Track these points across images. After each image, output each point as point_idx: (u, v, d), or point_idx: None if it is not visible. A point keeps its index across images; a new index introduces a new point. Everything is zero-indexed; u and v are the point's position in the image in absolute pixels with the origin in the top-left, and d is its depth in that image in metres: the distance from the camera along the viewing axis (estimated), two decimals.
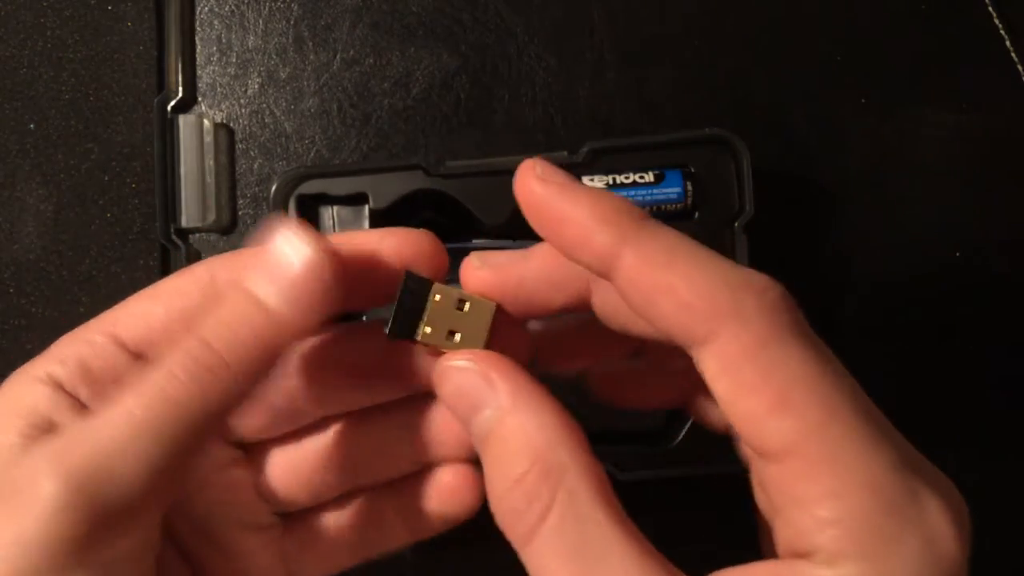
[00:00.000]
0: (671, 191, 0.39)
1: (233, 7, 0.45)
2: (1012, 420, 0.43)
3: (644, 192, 0.39)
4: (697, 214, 0.39)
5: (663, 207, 0.39)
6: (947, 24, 0.44)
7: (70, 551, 0.19)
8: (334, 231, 0.40)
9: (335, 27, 0.45)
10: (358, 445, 0.27)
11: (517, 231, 0.40)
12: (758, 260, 0.38)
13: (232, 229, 0.44)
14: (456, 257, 0.39)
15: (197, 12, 0.45)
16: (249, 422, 0.26)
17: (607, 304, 0.23)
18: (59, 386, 0.22)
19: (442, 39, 0.44)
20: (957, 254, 0.44)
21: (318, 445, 0.27)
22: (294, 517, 0.28)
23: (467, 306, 0.23)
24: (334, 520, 0.28)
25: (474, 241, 0.40)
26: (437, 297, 0.22)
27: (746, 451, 0.21)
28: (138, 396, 0.20)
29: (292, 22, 0.45)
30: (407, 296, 0.22)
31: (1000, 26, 0.44)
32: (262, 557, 0.27)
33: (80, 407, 0.22)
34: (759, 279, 0.19)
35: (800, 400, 0.18)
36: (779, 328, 0.18)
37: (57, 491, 0.19)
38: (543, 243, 0.22)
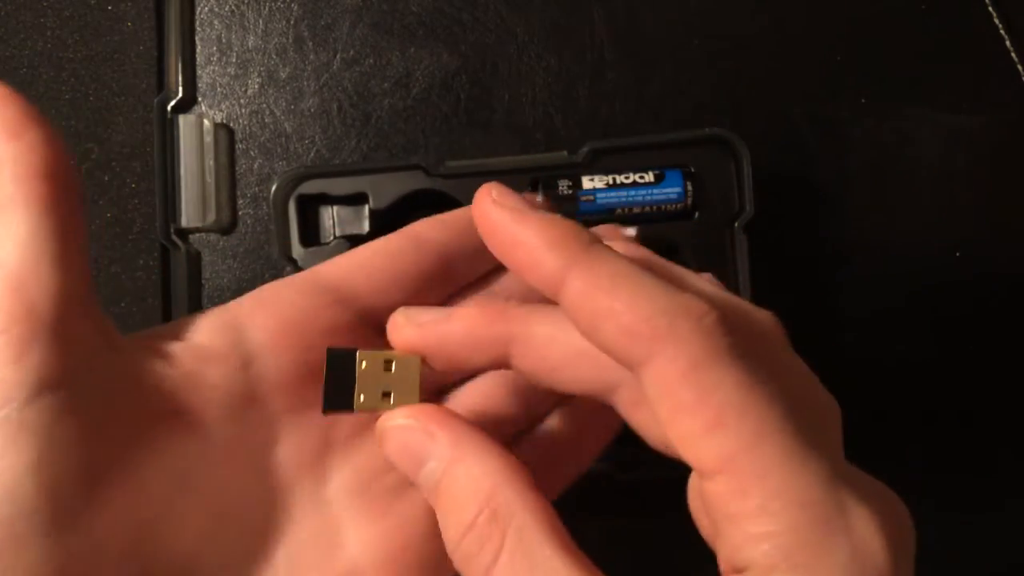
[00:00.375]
0: (671, 191, 0.39)
1: (233, 7, 0.45)
2: (1013, 420, 0.43)
3: (644, 192, 0.39)
4: (697, 214, 0.39)
5: (663, 207, 0.39)
6: (947, 24, 0.44)
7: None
8: (334, 231, 0.40)
9: (335, 27, 0.45)
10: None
11: None
12: (758, 260, 0.38)
13: (232, 229, 0.44)
14: None
15: (197, 12, 0.45)
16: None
17: (524, 365, 0.24)
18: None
19: (442, 39, 0.44)
20: (957, 254, 0.44)
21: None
22: None
23: (394, 365, 0.23)
24: None
25: None
26: (363, 364, 0.23)
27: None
28: None
29: (292, 22, 0.45)
30: (333, 370, 0.23)
31: (1000, 26, 0.44)
32: None
33: None
34: (697, 305, 0.19)
35: (734, 420, 0.18)
36: (714, 351, 0.19)
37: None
38: (466, 306, 0.24)
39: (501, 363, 0.24)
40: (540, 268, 0.21)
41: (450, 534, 0.21)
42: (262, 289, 0.27)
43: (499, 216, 0.21)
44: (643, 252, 0.25)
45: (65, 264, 0.21)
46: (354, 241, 0.40)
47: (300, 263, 0.39)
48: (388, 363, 0.23)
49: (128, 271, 0.43)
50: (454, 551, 0.21)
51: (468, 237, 0.27)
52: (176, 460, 0.23)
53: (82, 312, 0.21)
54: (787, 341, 0.22)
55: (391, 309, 0.25)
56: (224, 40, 0.45)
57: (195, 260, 0.44)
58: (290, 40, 0.45)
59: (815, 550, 0.18)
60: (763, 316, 0.22)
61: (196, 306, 0.43)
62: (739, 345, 0.19)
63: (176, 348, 0.24)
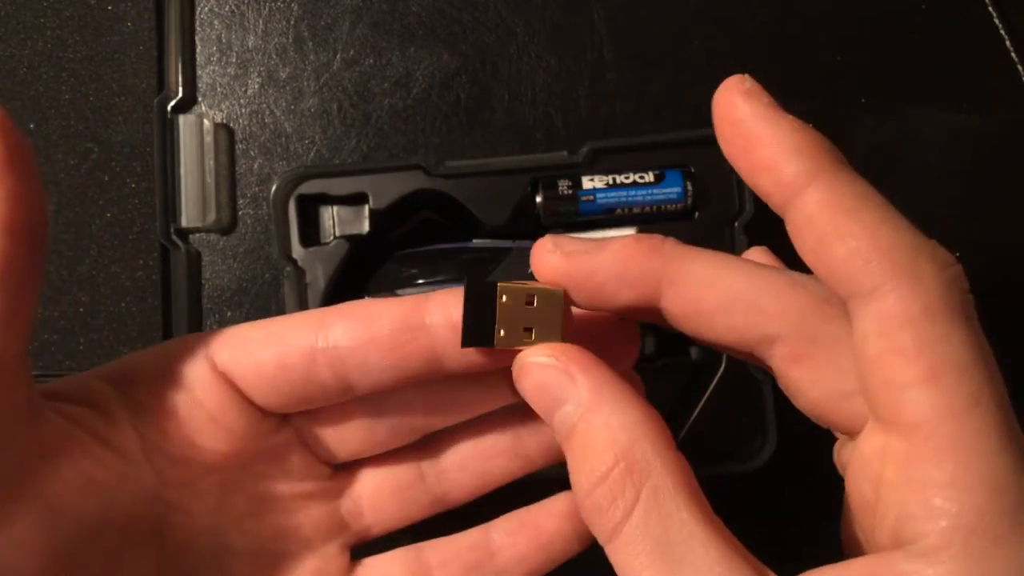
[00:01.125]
0: (671, 191, 0.39)
1: (233, 7, 0.45)
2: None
3: (644, 192, 0.39)
4: (697, 214, 0.39)
5: (663, 207, 0.39)
6: (947, 24, 0.44)
7: None
8: (334, 231, 0.40)
9: (335, 27, 0.45)
10: (456, 456, 0.27)
11: (517, 231, 0.40)
12: None
13: (232, 229, 0.44)
14: (454, 257, 0.39)
15: (197, 12, 0.45)
16: (351, 440, 0.26)
17: (676, 306, 0.22)
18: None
19: (442, 39, 0.44)
20: (957, 254, 0.44)
21: (413, 462, 0.27)
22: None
23: (536, 300, 0.22)
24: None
25: (474, 241, 0.40)
26: (504, 298, 0.22)
27: (858, 436, 0.20)
28: None
29: (292, 22, 0.45)
30: (473, 303, 0.22)
31: (1000, 26, 0.44)
32: None
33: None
34: (943, 253, 0.19)
35: (950, 380, 0.17)
36: (949, 303, 0.18)
37: None
38: (619, 238, 0.22)
39: (650, 303, 0.22)
40: (781, 170, 0.19)
41: (581, 483, 0.20)
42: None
43: (748, 109, 0.20)
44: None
45: (6, 327, 0.19)
46: (354, 241, 0.40)
47: (300, 263, 0.39)
48: (530, 297, 0.22)
49: (128, 271, 0.43)
50: (583, 501, 0.20)
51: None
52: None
53: (11, 380, 0.20)
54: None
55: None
56: (224, 40, 0.45)
57: (195, 260, 0.44)
58: (290, 40, 0.45)
59: (994, 540, 0.16)
60: (818, 292, 0.21)
61: (196, 306, 0.43)
62: (970, 305, 0.18)
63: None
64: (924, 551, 0.17)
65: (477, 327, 0.22)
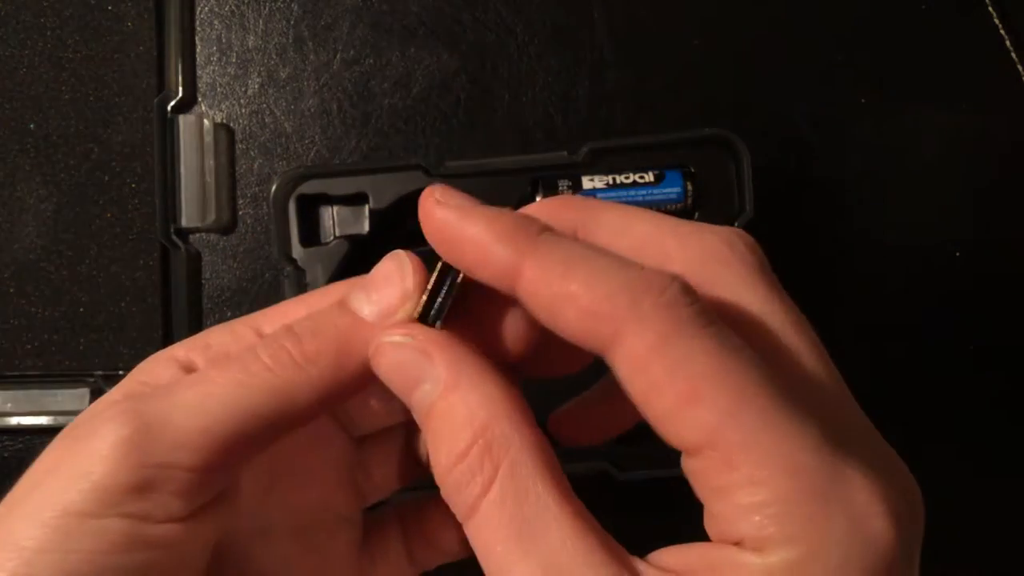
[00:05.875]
0: (671, 191, 0.39)
1: (233, 7, 0.45)
2: (1012, 419, 0.43)
3: (644, 192, 0.39)
4: (697, 214, 0.39)
5: (663, 207, 0.39)
6: (947, 24, 0.44)
7: (115, 495, 0.20)
8: (334, 231, 0.40)
9: (335, 27, 0.45)
10: None
11: None
12: None
13: (232, 229, 0.44)
14: None
15: (197, 12, 0.45)
16: (376, 411, 0.27)
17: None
18: (191, 368, 0.23)
19: (442, 39, 0.44)
20: (957, 254, 0.44)
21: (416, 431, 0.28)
22: (371, 523, 0.28)
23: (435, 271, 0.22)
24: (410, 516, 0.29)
25: None
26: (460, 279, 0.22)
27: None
28: (220, 366, 0.22)
29: (292, 22, 0.45)
30: (437, 286, 0.22)
31: (1000, 26, 0.44)
32: (346, 558, 0.27)
33: None
34: (657, 277, 0.19)
35: (710, 391, 0.18)
36: (680, 323, 0.18)
37: (116, 434, 0.20)
38: (499, 212, 0.21)
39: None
40: (492, 262, 0.20)
41: (441, 461, 0.20)
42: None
43: (444, 215, 0.21)
44: (574, 200, 0.23)
45: None
46: (354, 241, 0.40)
47: (300, 263, 0.39)
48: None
49: (128, 271, 0.43)
50: (443, 479, 0.20)
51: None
52: None
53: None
54: (762, 259, 0.21)
55: None
56: (224, 40, 0.45)
57: (195, 260, 0.44)
58: (290, 40, 0.45)
59: (810, 521, 0.17)
60: (725, 237, 0.21)
61: (196, 306, 0.43)
62: (706, 313, 0.18)
63: None
64: (753, 548, 0.17)
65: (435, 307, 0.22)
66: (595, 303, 0.18)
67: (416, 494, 0.29)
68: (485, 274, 0.20)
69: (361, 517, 0.28)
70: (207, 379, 0.21)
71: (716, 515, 0.18)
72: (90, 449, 0.20)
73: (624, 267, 0.19)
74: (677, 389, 0.18)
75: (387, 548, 0.28)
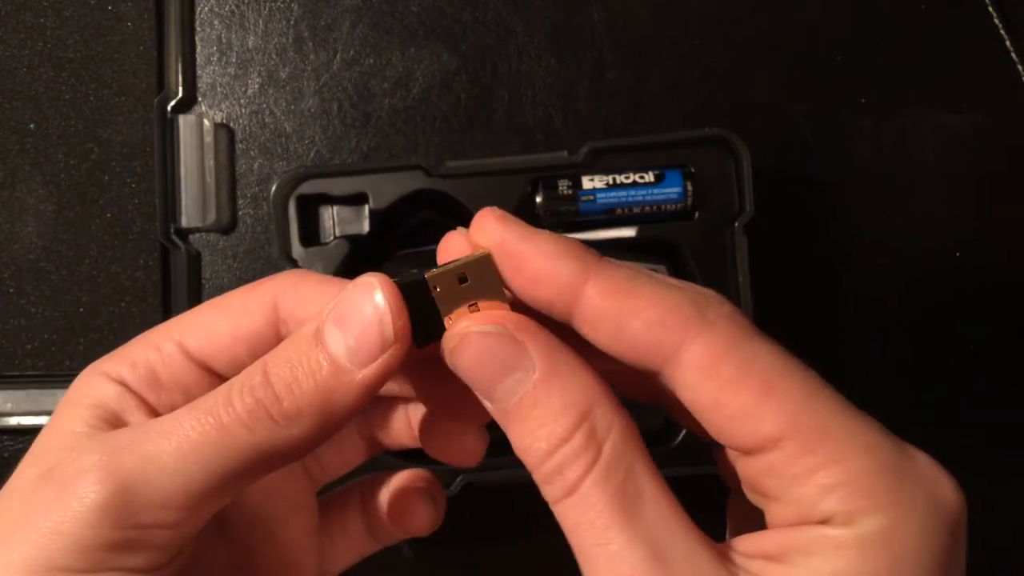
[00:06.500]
0: (671, 191, 0.39)
1: (233, 7, 0.45)
2: (1012, 418, 0.43)
3: (644, 192, 0.39)
4: (697, 214, 0.39)
5: (663, 207, 0.39)
6: (947, 24, 0.44)
7: (98, 552, 0.20)
8: (334, 231, 0.40)
9: (335, 27, 0.45)
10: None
11: None
12: (758, 260, 0.38)
13: (232, 229, 0.44)
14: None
15: (197, 12, 0.45)
16: None
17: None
18: (127, 386, 0.23)
19: (442, 39, 0.44)
20: (957, 254, 0.44)
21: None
22: (330, 503, 0.29)
23: (467, 275, 0.22)
24: (364, 500, 0.29)
25: None
26: (437, 288, 0.22)
27: (729, 458, 0.22)
28: (196, 418, 0.21)
29: (292, 22, 0.45)
30: (412, 303, 0.22)
31: (1000, 26, 0.44)
32: (303, 542, 0.28)
33: (148, 408, 0.24)
34: (713, 294, 0.20)
35: (782, 384, 0.19)
36: (744, 329, 0.20)
37: (98, 495, 0.20)
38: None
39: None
40: (557, 278, 0.21)
41: (539, 447, 0.20)
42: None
43: (511, 229, 0.21)
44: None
45: None
46: (354, 241, 0.40)
47: (300, 263, 0.39)
48: (461, 274, 0.22)
49: (128, 271, 0.43)
50: (541, 463, 0.20)
51: None
52: None
53: None
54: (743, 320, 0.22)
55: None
56: (224, 40, 0.45)
57: (195, 260, 0.44)
58: (290, 40, 0.45)
59: (892, 492, 0.18)
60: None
61: (196, 306, 0.43)
62: (757, 328, 0.20)
63: None
64: (842, 522, 0.18)
65: (424, 325, 0.22)
66: (663, 314, 0.20)
67: (377, 473, 0.29)
68: (547, 290, 0.21)
69: (314, 500, 0.28)
70: (181, 432, 0.21)
71: (796, 501, 0.19)
72: (71, 509, 0.20)
73: (681, 287, 0.20)
74: (751, 385, 0.19)
75: (347, 526, 0.29)
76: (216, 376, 0.24)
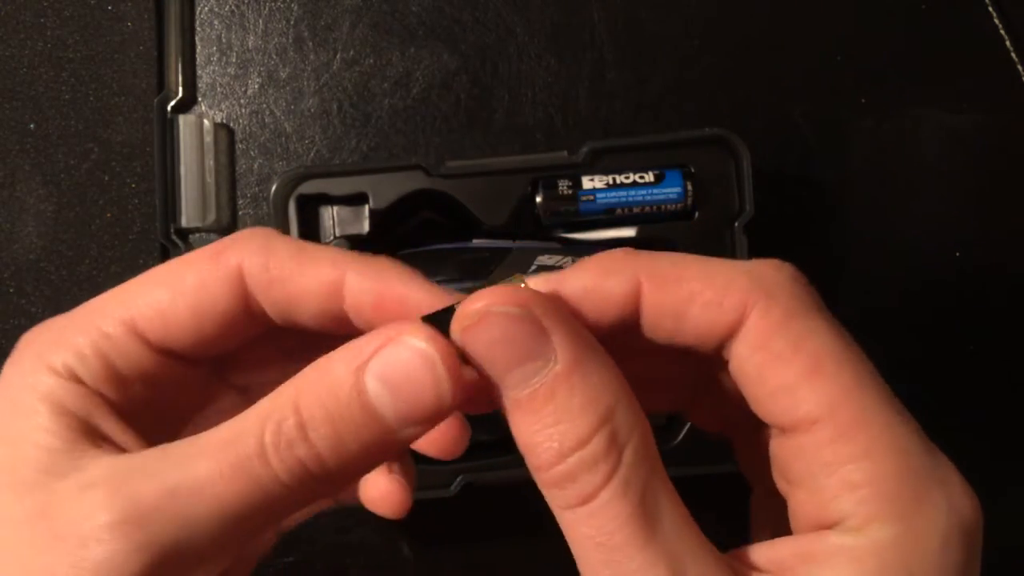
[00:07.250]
0: (671, 191, 0.39)
1: (233, 7, 0.45)
2: (1013, 418, 0.43)
3: (644, 192, 0.39)
4: (697, 214, 0.39)
5: (663, 207, 0.39)
6: (947, 24, 0.44)
7: None
8: (334, 231, 0.40)
9: (335, 27, 0.45)
10: None
11: (517, 231, 0.40)
12: None
13: (232, 229, 0.44)
14: (454, 258, 0.39)
15: (197, 12, 0.45)
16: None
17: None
18: (80, 382, 0.20)
19: (442, 39, 0.44)
20: (957, 254, 0.44)
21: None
22: None
23: None
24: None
25: (474, 241, 0.40)
26: None
27: (762, 440, 0.21)
28: (227, 475, 0.18)
29: (292, 22, 0.45)
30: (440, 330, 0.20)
31: (1000, 26, 0.44)
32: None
33: (116, 411, 0.20)
34: (770, 260, 0.20)
35: (832, 367, 0.18)
36: (802, 302, 0.19)
37: (120, 546, 0.18)
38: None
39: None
40: (612, 296, 0.20)
41: (552, 447, 0.18)
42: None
43: (551, 285, 0.20)
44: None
45: None
46: (354, 241, 0.40)
47: None
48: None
49: (128, 271, 0.43)
50: (552, 465, 0.18)
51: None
52: None
53: None
54: (813, 291, 0.21)
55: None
56: (224, 40, 0.45)
57: None
58: (290, 40, 0.45)
59: (914, 500, 0.18)
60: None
61: None
62: (818, 297, 0.19)
63: None
64: (853, 527, 0.18)
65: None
66: (718, 294, 0.19)
67: None
68: (607, 313, 0.20)
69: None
70: (214, 489, 0.18)
71: (819, 491, 0.18)
72: (87, 557, 0.18)
73: (732, 261, 0.20)
74: (801, 361, 0.18)
75: None
76: (179, 360, 0.21)
